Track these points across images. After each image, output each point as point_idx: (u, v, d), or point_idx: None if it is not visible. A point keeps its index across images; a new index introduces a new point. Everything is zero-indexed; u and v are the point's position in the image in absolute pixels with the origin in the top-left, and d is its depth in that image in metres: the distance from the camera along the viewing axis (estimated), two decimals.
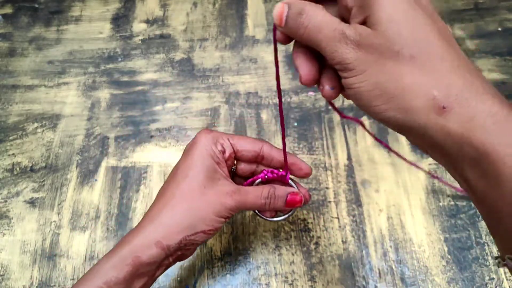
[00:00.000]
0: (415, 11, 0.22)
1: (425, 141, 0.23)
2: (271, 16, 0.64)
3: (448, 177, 0.49)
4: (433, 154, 0.24)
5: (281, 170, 0.37)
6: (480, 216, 0.47)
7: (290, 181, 0.37)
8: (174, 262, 0.34)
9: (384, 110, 0.22)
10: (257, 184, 0.37)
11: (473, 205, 0.47)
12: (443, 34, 0.22)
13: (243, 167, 0.38)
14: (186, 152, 0.35)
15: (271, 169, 0.37)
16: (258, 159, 0.37)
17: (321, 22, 0.23)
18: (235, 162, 0.38)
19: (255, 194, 0.35)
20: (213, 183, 0.33)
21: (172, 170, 0.35)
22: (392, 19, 0.22)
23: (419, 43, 0.22)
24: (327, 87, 0.25)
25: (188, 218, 0.32)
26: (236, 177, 0.39)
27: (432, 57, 0.22)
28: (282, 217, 0.39)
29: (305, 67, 0.25)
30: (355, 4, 0.23)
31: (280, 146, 0.36)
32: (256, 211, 0.38)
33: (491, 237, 0.46)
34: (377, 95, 0.22)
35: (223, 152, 0.35)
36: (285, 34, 0.25)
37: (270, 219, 0.38)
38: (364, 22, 0.23)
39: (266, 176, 0.37)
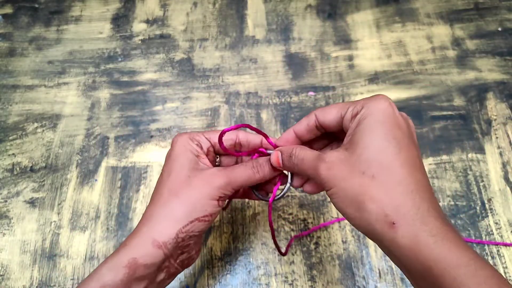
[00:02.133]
0: (388, 143, 0.28)
1: (384, 250, 0.28)
2: (271, 16, 0.65)
3: (448, 177, 0.49)
4: (395, 263, 0.28)
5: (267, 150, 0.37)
6: (480, 216, 0.47)
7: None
8: (179, 266, 0.33)
9: (353, 217, 0.28)
10: None
11: (473, 205, 0.48)
12: (409, 162, 0.27)
13: (228, 162, 0.38)
14: (167, 155, 0.35)
15: (259, 149, 0.37)
16: (237, 147, 0.37)
17: (304, 157, 0.31)
18: (217, 157, 0.38)
19: (241, 166, 0.35)
20: (197, 171, 0.33)
21: (159, 176, 0.35)
22: (366, 146, 0.28)
23: (381, 167, 0.27)
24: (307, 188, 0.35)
25: (179, 209, 0.32)
26: None
27: (390, 180, 0.27)
28: (280, 195, 0.37)
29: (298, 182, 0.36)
30: (350, 132, 0.30)
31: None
32: (255, 192, 0.37)
33: (491, 237, 0.46)
34: (347, 205, 0.28)
35: (201, 147, 0.35)
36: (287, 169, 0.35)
37: (267, 198, 0.37)
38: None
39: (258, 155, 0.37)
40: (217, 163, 0.38)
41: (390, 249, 0.26)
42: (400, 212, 0.26)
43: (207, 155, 0.36)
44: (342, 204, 0.28)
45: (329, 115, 0.32)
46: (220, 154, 0.38)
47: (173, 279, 0.34)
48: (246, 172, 0.34)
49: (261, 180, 0.35)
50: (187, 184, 0.32)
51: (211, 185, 0.32)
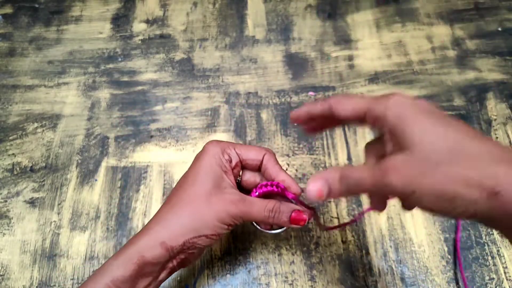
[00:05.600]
0: (440, 126, 0.26)
1: (490, 224, 0.26)
2: (271, 16, 0.65)
3: None
4: (504, 232, 0.26)
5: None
6: None
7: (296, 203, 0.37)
8: (178, 266, 0.35)
9: (451, 209, 0.25)
10: (262, 196, 0.37)
11: None
12: (468, 133, 0.26)
13: (248, 178, 0.39)
14: (195, 160, 0.37)
15: (276, 182, 0.37)
16: (261, 167, 0.39)
17: (360, 174, 0.27)
18: (240, 172, 0.39)
19: (260, 205, 0.35)
20: (219, 190, 0.35)
21: (181, 177, 0.37)
22: (421, 138, 0.25)
23: (451, 149, 0.25)
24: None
25: (192, 221, 0.34)
26: (240, 188, 0.39)
27: (469, 156, 0.25)
28: (280, 230, 0.39)
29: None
30: (388, 137, 0.27)
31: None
32: (256, 225, 0.39)
33: (491, 237, 0.46)
34: (439, 201, 0.25)
35: (230, 161, 0.37)
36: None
37: (267, 231, 0.39)
38: (398, 150, 0.26)
39: (272, 189, 0.37)
40: (238, 180, 0.39)
41: (499, 220, 0.25)
42: (499, 179, 0.24)
43: (234, 168, 0.37)
44: (433, 203, 0.25)
45: (345, 110, 0.30)
46: (244, 169, 0.39)
47: (169, 276, 0.36)
48: (261, 213, 0.35)
49: (272, 224, 0.37)
50: (206, 201, 0.34)
51: (226, 212, 0.34)
